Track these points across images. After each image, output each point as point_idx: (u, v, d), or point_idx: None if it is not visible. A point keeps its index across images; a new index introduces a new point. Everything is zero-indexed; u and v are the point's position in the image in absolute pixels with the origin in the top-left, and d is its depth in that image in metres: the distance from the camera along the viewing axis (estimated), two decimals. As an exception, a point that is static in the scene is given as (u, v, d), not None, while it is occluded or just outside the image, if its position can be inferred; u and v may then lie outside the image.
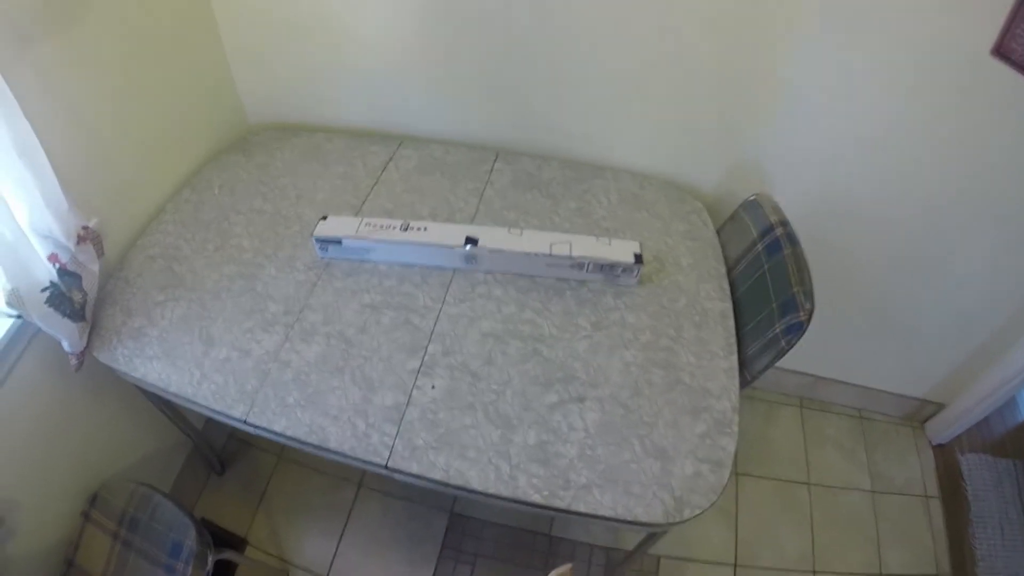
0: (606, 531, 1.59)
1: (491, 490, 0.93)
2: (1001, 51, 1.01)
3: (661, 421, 1.00)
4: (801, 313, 1.02)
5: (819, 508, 1.65)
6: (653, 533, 1.09)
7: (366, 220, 1.16)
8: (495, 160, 1.41)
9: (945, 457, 1.83)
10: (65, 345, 1.10)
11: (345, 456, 0.98)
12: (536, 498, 0.92)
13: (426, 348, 1.07)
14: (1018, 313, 1.45)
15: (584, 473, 0.94)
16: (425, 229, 1.15)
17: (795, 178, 1.32)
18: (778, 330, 1.05)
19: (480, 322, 1.10)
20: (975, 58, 1.02)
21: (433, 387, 1.02)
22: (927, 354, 1.66)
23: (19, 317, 1.05)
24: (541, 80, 1.31)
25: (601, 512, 0.91)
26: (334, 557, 1.53)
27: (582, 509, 0.91)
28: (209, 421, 1.67)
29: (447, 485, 0.94)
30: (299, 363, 1.06)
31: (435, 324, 1.10)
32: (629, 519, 0.91)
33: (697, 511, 0.92)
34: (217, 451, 1.64)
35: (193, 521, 1.20)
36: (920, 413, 1.84)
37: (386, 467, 0.96)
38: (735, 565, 1.55)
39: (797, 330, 1.03)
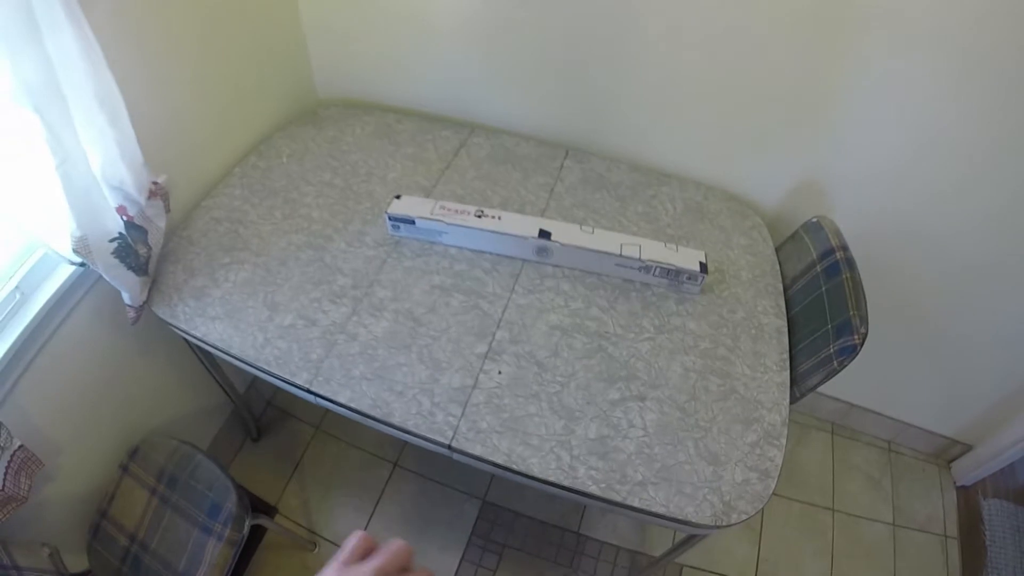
0: (633, 533, 1.67)
1: (551, 478, 1.00)
2: None
3: (715, 427, 1.07)
4: (856, 336, 1.09)
5: (841, 535, 1.73)
6: (692, 536, 1.16)
7: (441, 203, 1.24)
8: (565, 157, 1.48)
9: (968, 499, 1.90)
10: (126, 298, 1.17)
11: (408, 432, 1.05)
12: (594, 490, 0.99)
13: (494, 334, 1.15)
14: None
15: (640, 470, 1.01)
16: (499, 218, 1.22)
17: (855, 198, 1.38)
18: (832, 351, 1.12)
19: (548, 314, 1.18)
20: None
21: (500, 373, 1.10)
22: (964, 391, 1.72)
23: (82, 265, 1.11)
24: (615, 80, 1.38)
25: (654, 509, 0.98)
26: (362, 533, 1.61)
27: (636, 504, 0.98)
28: (251, 386, 1.77)
29: (508, 470, 1.01)
30: (366, 337, 1.14)
31: (503, 312, 1.18)
32: (680, 518, 0.98)
33: (744, 516, 0.99)
34: (255, 417, 1.73)
35: (234, 484, 1.27)
36: (948, 452, 1.91)
37: (450, 447, 1.03)
38: (756, 581, 1.64)
39: (850, 352, 1.09)
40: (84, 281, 1.17)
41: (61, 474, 1.23)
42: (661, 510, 0.98)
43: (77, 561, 1.21)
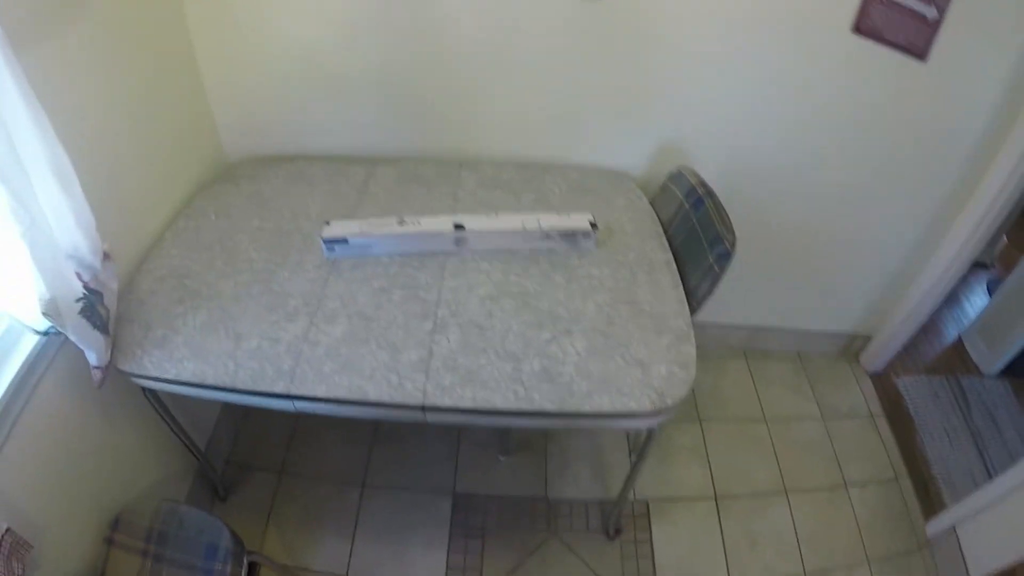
0: (594, 483, 1.95)
1: (513, 408, 1.26)
2: (860, 28, 1.55)
3: (634, 340, 1.39)
4: (726, 243, 1.45)
5: (778, 438, 2.10)
6: (649, 436, 1.45)
7: (366, 220, 1.52)
8: (460, 169, 1.82)
9: (883, 383, 2.34)
10: (92, 359, 1.29)
11: (385, 406, 1.28)
12: (550, 408, 1.26)
13: (436, 313, 1.41)
14: (917, 243, 2.00)
15: (583, 384, 1.30)
16: (419, 222, 1.52)
17: (707, 149, 1.81)
18: (711, 260, 1.48)
19: (476, 289, 1.47)
20: (840, 33, 1.56)
21: (448, 340, 1.36)
22: (848, 292, 2.18)
23: (46, 334, 1.24)
24: (490, 103, 1.76)
25: (603, 409, 1.26)
26: (350, 557, 1.77)
27: (588, 410, 1.26)
28: (210, 444, 1.92)
29: (477, 411, 1.27)
30: (328, 341, 1.37)
31: (439, 295, 1.45)
32: (626, 412, 1.26)
33: (677, 400, 1.28)
34: (219, 476, 1.87)
35: (224, 522, 1.40)
36: (852, 347, 2.36)
37: (423, 408, 1.27)
38: (715, 497, 1.94)
39: (726, 258, 1.45)
40: (46, 352, 1.28)
41: (47, 558, 1.28)
42: (609, 409, 1.26)
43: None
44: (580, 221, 1.55)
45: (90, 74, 1.37)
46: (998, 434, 2.21)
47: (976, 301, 2.79)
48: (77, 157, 1.16)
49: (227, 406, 2.07)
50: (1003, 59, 1.60)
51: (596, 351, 1.36)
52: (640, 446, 1.54)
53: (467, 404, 1.27)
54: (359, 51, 1.69)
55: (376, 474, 1.95)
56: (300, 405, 1.33)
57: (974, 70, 1.63)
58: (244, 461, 1.97)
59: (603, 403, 1.27)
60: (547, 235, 1.54)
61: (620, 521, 1.87)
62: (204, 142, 1.83)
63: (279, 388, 1.30)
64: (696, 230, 1.56)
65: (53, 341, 1.30)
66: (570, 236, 1.55)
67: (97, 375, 1.33)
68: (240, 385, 1.31)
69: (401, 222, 1.52)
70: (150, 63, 1.57)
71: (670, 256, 1.60)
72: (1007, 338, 2.37)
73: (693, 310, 1.52)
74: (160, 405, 1.52)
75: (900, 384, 2.31)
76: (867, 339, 2.34)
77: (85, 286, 1.24)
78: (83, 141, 1.34)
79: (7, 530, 1.12)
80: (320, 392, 1.29)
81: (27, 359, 1.24)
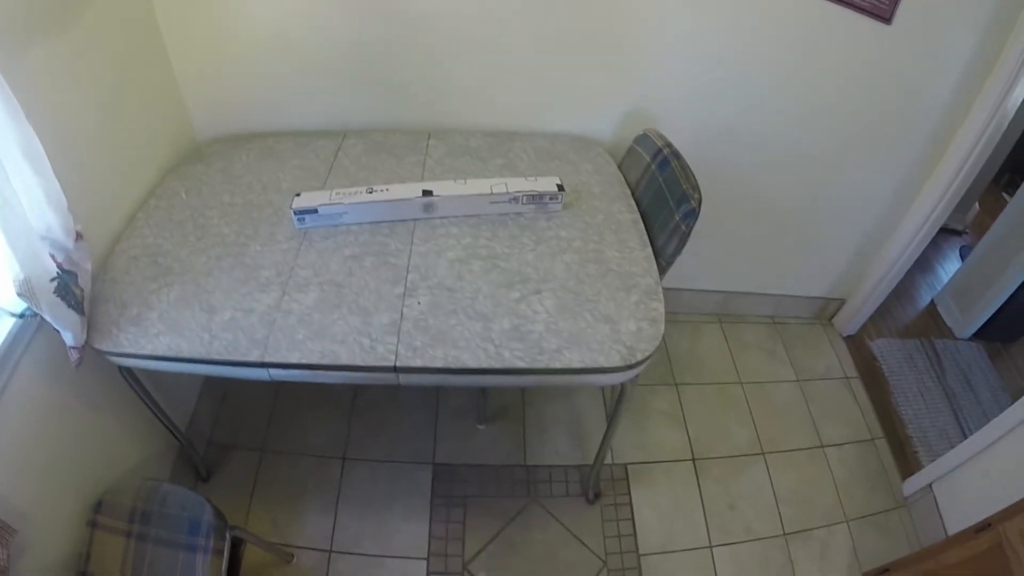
0: (572, 449, 1.99)
1: (483, 366, 1.29)
2: None
3: (602, 297, 1.42)
4: (692, 202, 1.48)
5: (755, 401, 2.15)
6: (622, 392, 1.48)
7: (336, 189, 1.54)
8: (429, 138, 1.84)
9: (857, 346, 2.40)
10: (68, 339, 1.31)
11: (357, 369, 1.30)
12: (521, 365, 1.29)
13: (406, 277, 1.44)
14: (888, 207, 2.04)
15: (553, 341, 1.33)
16: (387, 190, 1.54)
17: (676, 116, 1.84)
18: (677, 219, 1.51)
19: (445, 253, 1.49)
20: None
21: (419, 303, 1.39)
22: (820, 256, 2.23)
23: (22, 316, 1.27)
24: (459, 67, 1.77)
25: (574, 366, 1.29)
26: (334, 530, 1.80)
27: (558, 366, 1.29)
28: (191, 423, 1.94)
29: (448, 371, 1.29)
30: (300, 309, 1.39)
31: (409, 260, 1.48)
32: (595, 367, 1.30)
33: (647, 354, 1.32)
34: (202, 456, 1.88)
35: (206, 498, 1.42)
36: (826, 311, 2.41)
37: (395, 368, 1.30)
38: (693, 459, 1.99)
39: (692, 215, 1.49)
40: (22, 336, 1.29)
41: (32, 544, 1.29)
42: (579, 365, 1.29)
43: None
44: (547, 184, 1.58)
45: (59, 58, 1.38)
46: (972, 395, 2.28)
47: (949, 267, 2.86)
48: (47, 140, 1.17)
49: (206, 387, 2.10)
50: (970, 21, 1.64)
51: (565, 309, 1.39)
52: (614, 407, 1.57)
53: (438, 363, 1.30)
54: (326, 27, 1.70)
55: (356, 447, 1.98)
56: (275, 373, 1.35)
57: (941, 33, 1.66)
58: (225, 441, 1.99)
59: (573, 359, 1.30)
60: (515, 199, 1.57)
61: (599, 485, 1.91)
62: (174, 123, 1.84)
63: (253, 357, 1.32)
64: (663, 190, 1.59)
65: (29, 324, 1.31)
66: (538, 199, 1.58)
67: (74, 355, 1.35)
68: (215, 356, 1.33)
69: (370, 191, 1.54)
70: (119, 46, 1.58)
71: (637, 216, 1.63)
72: (979, 302, 2.44)
73: (662, 269, 1.55)
74: (138, 384, 1.53)
75: (874, 347, 2.36)
76: (841, 302, 2.39)
77: (59, 266, 1.26)
78: (53, 124, 1.34)
79: (-10, 514, 1.14)
80: (294, 359, 1.32)
81: (3, 342, 1.26)
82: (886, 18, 1.63)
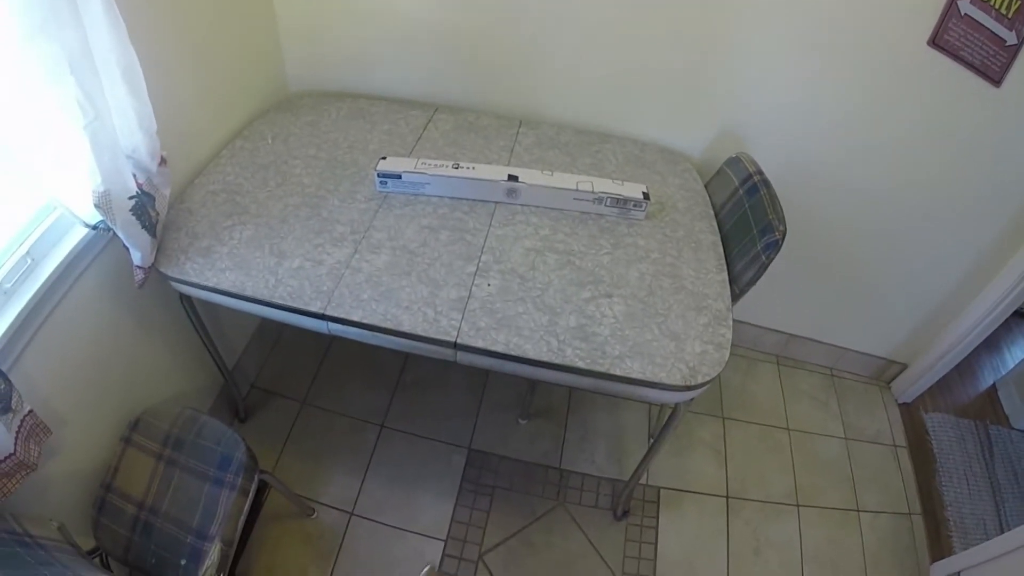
0: (610, 463, 1.95)
1: (544, 359, 1.27)
2: (936, 42, 1.51)
3: (672, 313, 1.39)
4: (776, 233, 1.44)
5: (799, 450, 2.08)
6: (673, 413, 1.44)
7: (422, 159, 1.54)
8: (519, 126, 1.83)
9: (911, 414, 2.30)
10: (136, 258, 1.34)
11: (418, 338, 1.30)
12: (581, 365, 1.27)
13: (480, 257, 1.43)
14: (965, 280, 1.95)
15: (617, 347, 1.31)
16: (473, 168, 1.54)
17: (767, 142, 1.78)
18: (759, 248, 1.47)
19: (522, 240, 1.49)
20: (916, 44, 1.51)
21: (489, 285, 1.38)
22: (889, 316, 2.14)
23: (95, 228, 1.28)
24: (559, 60, 1.75)
25: (633, 375, 1.27)
26: (358, 494, 1.81)
27: (618, 373, 1.27)
28: (238, 365, 1.97)
29: (508, 356, 1.28)
30: (370, 269, 1.40)
31: (485, 241, 1.47)
32: (655, 381, 1.27)
33: (708, 378, 1.29)
34: (243, 397, 1.91)
35: (241, 437, 1.44)
36: (886, 373, 2.32)
37: (455, 344, 1.29)
38: (727, 496, 1.93)
39: (774, 247, 1.44)
40: (92, 248, 1.33)
41: (64, 448, 1.34)
42: (639, 376, 1.27)
43: (83, 541, 1.27)
44: (633, 190, 1.55)
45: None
46: (1018, 489, 2.16)
47: (1017, 352, 2.71)
48: (146, 63, 1.19)
49: (259, 331, 2.13)
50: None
51: (634, 318, 1.36)
52: (661, 427, 1.53)
53: (499, 348, 1.29)
54: (436, 2, 1.71)
55: (396, 419, 1.99)
56: (333, 327, 1.36)
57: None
58: (268, 387, 2.02)
59: (634, 368, 1.28)
60: (599, 199, 1.54)
61: (629, 503, 1.88)
62: (269, 69, 1.87)
63: (316, 307, 1.33)
64: (747, 217, 1.55)
65: (101, 237, 1.34)
66: (622, 203, 1.55)
67: (139, 274, 1.38)
68: (278, 300, 1.35)
69: (456, 166, 1.54)
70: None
71: (718, 239, 1.59)
72: (1042, 395, 2.30)
73: (735, 296, 1.51)
74: (195, 314, 1.57)
75: (928, 420, 2.26)
76: (902, 367, 2.30)
77: (139, 186, 1.29)
78: (154, 49, 1.36)
79: (29, 411, 1.18)
80: (356, 316, 1.32)
81: (73, 249, 1.29)
82: (996, 80, 1.55)
